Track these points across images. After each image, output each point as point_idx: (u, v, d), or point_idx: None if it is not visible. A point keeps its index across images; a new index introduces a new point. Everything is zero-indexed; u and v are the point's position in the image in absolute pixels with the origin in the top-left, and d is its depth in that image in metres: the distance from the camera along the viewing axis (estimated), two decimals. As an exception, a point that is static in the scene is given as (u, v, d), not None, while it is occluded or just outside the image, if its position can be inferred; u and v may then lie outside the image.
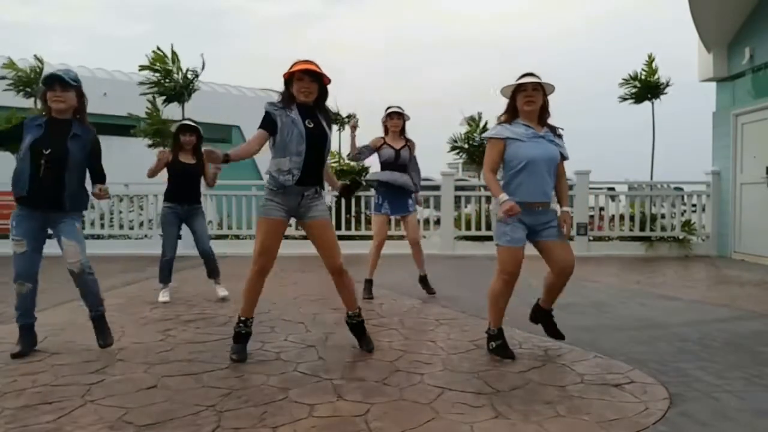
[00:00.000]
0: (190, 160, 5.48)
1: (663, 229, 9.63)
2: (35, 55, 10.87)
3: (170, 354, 3.62)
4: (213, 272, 5.61)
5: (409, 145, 5.56)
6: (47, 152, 3.49)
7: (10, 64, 10.62)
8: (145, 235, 10.04)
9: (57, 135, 3.55)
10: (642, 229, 9.60)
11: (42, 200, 3.55)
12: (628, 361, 3.43)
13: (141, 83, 10.56)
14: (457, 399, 2.82)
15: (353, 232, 9.86)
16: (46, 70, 11.06)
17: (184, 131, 5.46)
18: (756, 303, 5.38)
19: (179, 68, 10.47)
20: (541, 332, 4.13)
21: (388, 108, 5.58)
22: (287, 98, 3.49)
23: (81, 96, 3.66)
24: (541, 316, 3.89)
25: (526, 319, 4.57)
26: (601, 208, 10.07)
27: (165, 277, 5.54)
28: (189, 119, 5.54)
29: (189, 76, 10.49)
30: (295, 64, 3.49)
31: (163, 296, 5.47)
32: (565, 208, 3.66)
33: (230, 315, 4.78)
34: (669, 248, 9.47)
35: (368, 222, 9.75)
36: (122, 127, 13.17)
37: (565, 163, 3.68)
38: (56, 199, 3.56)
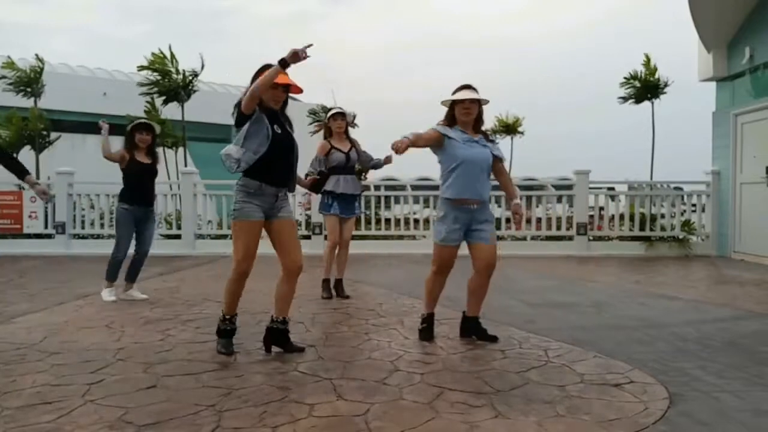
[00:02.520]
0: (146, 159, 5.36)
1: (663, 228, 9.62)
2: (36, 55, 10.89)
3: (170, 354, 3.62)
4: (136, 275, 5.49)
5: (355, 145, 5.56)
6: None
7: (10, 64, 10.63)
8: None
9: None
10: (642, 228, 9.60)
11: None
12: (628, 361, 3.43)
13: (140, 84, 10.57)
14: (457, 399, 2.82)
15: (361, 231, 9.71)
16: (47, 70, 11.15)
17: (140, 129, 5.32)
18: (756, 303, 5.38)
19: (177, 69, 10.47)
20: (541, 332, 4.14)
21: (330, 110, 5.66)
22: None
23: None
24: (472, 326, 3.96)
25: (524, 319, 4.59)
26: (601, 208, 10.07)
27: (112, 275, 5.34)
28: (145, 118, 5.41)
29: (188, 76, 10.51)
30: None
31: (109, 295, 5.27)
32: (516, 201, 3.92)
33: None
34: (669, 248, 9.47)
35: (366, 222, 9.76)
36: (122, 127, 13.15)
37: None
38: None
